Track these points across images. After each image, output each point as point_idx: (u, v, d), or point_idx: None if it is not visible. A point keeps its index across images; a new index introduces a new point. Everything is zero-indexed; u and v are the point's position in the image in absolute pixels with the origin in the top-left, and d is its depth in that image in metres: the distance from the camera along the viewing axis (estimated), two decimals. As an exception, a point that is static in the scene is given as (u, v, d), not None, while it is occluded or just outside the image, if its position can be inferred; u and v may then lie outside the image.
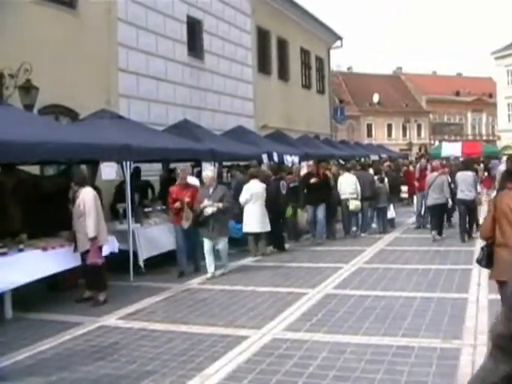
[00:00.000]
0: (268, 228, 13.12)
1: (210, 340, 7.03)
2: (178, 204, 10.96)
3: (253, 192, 12.85)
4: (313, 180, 14.68)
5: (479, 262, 5.97)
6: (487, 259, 5.80)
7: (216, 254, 11.16)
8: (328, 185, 15.25)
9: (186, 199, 10.94)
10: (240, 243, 13.79)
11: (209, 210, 10.72)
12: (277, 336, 7.13)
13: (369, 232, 16.21)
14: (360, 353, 6.34)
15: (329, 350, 6.48)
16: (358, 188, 15.56)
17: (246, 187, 12.98)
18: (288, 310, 8.31)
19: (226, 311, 8.43)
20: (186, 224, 10.92)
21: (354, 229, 15.92)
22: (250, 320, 7.88)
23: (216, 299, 9.22)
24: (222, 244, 11.12)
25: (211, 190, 10.97)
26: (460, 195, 14.27)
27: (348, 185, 15.60)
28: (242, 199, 12.89)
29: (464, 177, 14.41)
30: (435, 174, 14.94)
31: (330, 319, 7.74)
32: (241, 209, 13.09)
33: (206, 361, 6.30)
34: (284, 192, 14.19)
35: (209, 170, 11.69)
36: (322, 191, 14.78)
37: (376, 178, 16.61)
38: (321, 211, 14.71)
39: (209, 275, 10.79)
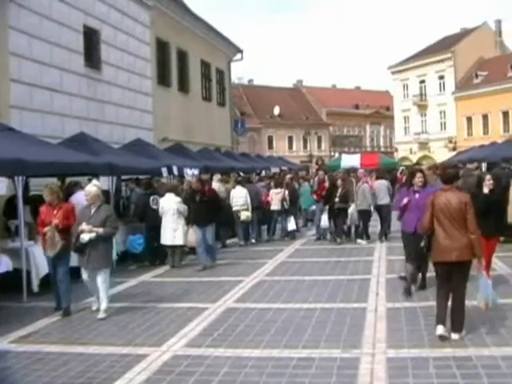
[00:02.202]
0: (179, 241, 13.26)
1: (108, 360, 6.81)
2: (47, 229, 9.06)
3: (162, 205, 13.31)
4: (197, 198, 13.22)
5: (422, 248, 7.29)
6: (428, 246, 7.16)
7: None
8: (217, 202, 13.75)
9: (55, 221, 9.05)
10: (140, 258, 13.57)
11: (85, 237, 8.74)
12: (177, 353, 7.02)
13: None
14: (261, 366, 6.34)
15: (230, 365, 6.43)
16: (248, 200, 16.51)
17: (160, 200, 13.51)
18: (189, 325, 8.19)
19: (124, 330, 8.20)
20: (51, 252, 9.10)
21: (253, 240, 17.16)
22: (149, 338, 7.70)
23: (114, 317, 8.93)
24: (102, 277, 8.99)
25: (93, 211, 9.05)
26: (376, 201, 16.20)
27: (240, 197, 16.49)
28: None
29: (378, 185, 16.43)
30: (360, 183, 16.44)
31: (231, 334, 7.71)
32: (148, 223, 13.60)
33: (105, 382, 6.10)
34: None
35: (91, 185, 9.30)
36: (210, 210, 13.11)
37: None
38: (209, 233, 13.20)
39: (93, 308, 9.35)
